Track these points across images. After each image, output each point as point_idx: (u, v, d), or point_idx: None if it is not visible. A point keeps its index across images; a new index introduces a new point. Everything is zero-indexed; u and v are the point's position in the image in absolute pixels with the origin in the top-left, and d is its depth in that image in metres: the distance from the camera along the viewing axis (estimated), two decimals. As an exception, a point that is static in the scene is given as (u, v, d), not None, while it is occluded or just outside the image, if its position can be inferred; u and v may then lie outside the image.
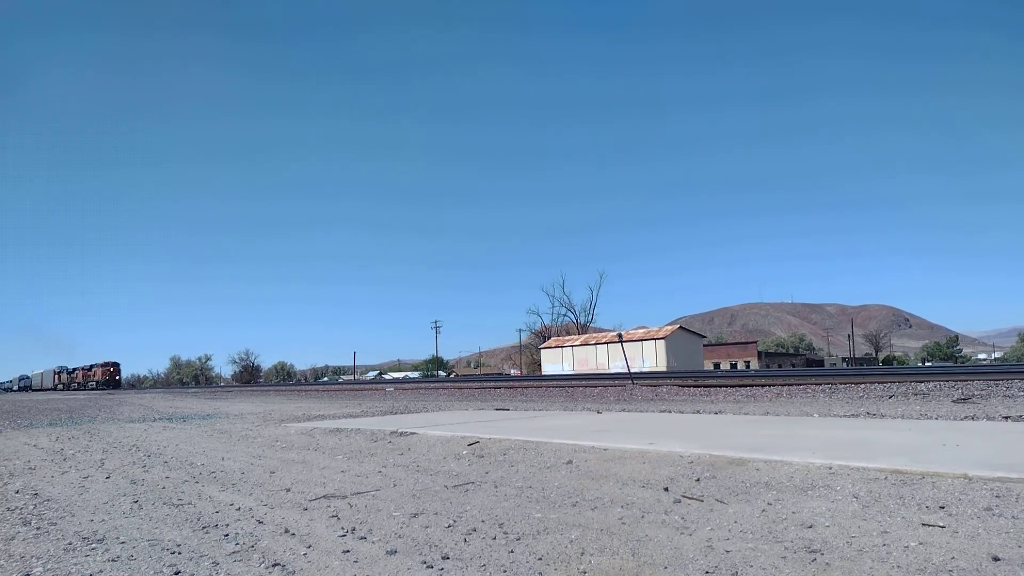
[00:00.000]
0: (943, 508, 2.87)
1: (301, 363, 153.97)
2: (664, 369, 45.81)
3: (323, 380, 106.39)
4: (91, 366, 75.79)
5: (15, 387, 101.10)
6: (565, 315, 74.88)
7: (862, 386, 12.10)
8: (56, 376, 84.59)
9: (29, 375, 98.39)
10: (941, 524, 2.66)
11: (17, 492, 4.66)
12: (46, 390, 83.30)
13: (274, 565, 2.68)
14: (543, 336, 72.04)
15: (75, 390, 73.31)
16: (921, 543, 2.46)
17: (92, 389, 69.16)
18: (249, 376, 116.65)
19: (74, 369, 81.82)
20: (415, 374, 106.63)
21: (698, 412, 8.63)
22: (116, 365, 73.82)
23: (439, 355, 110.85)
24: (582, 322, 73.21)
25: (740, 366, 77.79)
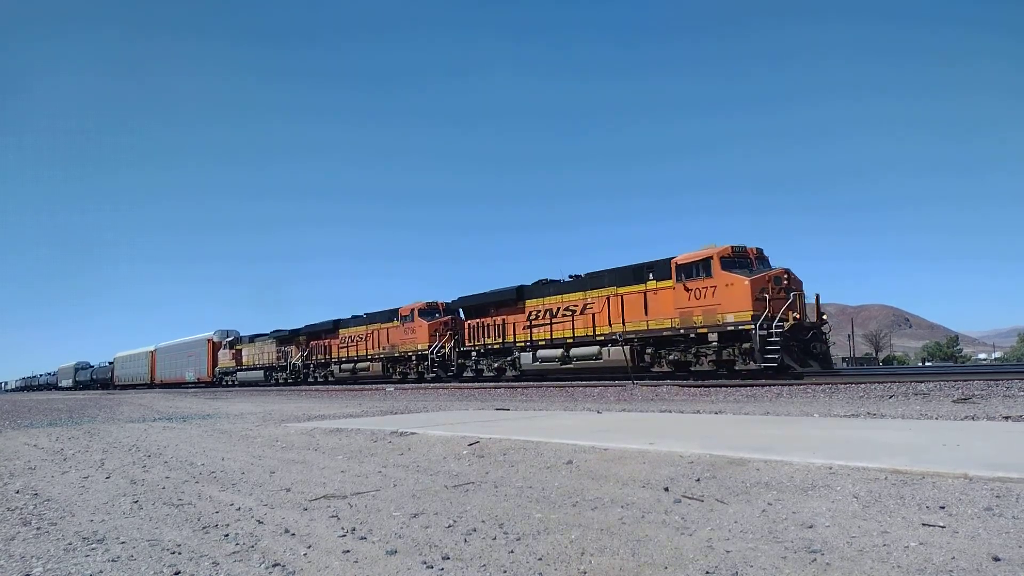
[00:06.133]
0: (943, 508, 2.87)
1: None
2: (664, 369, 45.70)
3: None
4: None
5: (61, 383, 65.83)
6: (565, 315, 74.83)
7: (862, 386, 12.09)
8: (232, 352, 39.33)
9: (107, 361, 55.51)
10: (941, 524, 2.66)
11: (17, 492, 4.66)
12: (179, 386, 42.41)
13: (274, 565, 2.68)
14: (543, 336, 71.98)
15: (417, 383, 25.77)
16: (921, 543, 2.46)
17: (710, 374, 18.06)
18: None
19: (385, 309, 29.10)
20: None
21: (698, 412, 8.61)
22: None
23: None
24: (582, 322, 73.17)
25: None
